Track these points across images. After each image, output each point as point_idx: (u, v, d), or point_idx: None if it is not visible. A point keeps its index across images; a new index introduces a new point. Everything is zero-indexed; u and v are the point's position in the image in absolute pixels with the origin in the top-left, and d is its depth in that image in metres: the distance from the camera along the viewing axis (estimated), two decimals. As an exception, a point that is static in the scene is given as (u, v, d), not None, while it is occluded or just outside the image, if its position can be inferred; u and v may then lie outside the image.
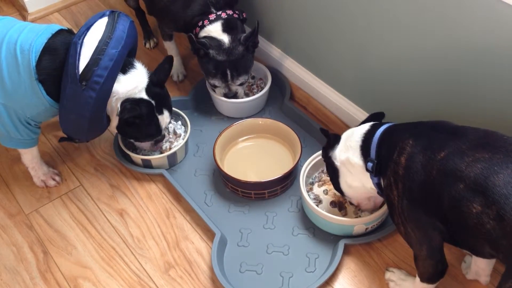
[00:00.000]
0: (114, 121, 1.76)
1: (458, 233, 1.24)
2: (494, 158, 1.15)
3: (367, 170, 1.43)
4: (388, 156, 1.36)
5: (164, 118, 1.81)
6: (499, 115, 1.46)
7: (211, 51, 1.91)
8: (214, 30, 1.92)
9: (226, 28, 1.92)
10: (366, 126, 1.50)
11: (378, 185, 1.44)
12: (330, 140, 1.56)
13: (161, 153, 1.92)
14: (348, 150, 1.50)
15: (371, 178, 1.44)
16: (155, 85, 1.77)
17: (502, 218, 1.10)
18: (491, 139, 1.21)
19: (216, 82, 1.99)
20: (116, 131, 1.81)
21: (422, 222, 1.30)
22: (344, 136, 1.54)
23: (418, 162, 1.27)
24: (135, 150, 1.95)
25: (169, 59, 1.82)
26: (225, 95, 2.04)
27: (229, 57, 1.92)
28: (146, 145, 1.89)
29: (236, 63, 1.94)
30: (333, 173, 1.58)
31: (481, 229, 1.14)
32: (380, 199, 1.63)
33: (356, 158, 1.47)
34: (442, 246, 1.33)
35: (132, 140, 1.89)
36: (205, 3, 1.94)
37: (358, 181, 1.51)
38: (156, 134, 1.84)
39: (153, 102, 1.75)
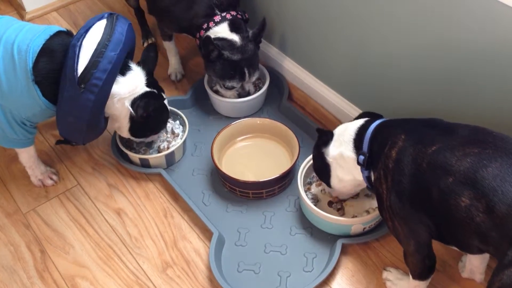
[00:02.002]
0: (125, 124, 1.77)
1: (446, 227, 1.25)
2: (483, 152, 1.17)
3: (358, 163, 1.45)
4: (380, 150, 1.38)
5: (166, 100, 1.85)
6: (494, 114, 1.46)
7: (225, 52, 1.89)
8: (222, 31, 1.92)
9: (233, 28, 1.92)
10: (361, 121, 1.52)
11: (368, 178, 1.46)
12: (325, 137, 1.57)
13: (159, 152, 1.92)
14: (341, 145, 1.52)
15: (362, 171, 1.47)
16: (148, 75, 1.79)
17: (491, 211, 1.11)
18: (480, 135, 1.24)
19: (234, 83, 1.97)
20: (128, 135, 1.82)
21: (409, 216, 1.31)
22: (337, 132, 1.56)
23: (409, 155, 1.29)
24: (133, 149, 1.95)
25: (152, 47, 1.85)
26: (239, 95, 2.04)
27: (244, 55, 1.92)
28: (156, 136, 1.91)
29: (250, 60, 1.94)
30: (323, 167, 1.60)
31: (470, 223, 1.16)
32: (357, 188, 1.67)
33: (349, 151, 1.49)
34: (429, 241, 1.34)
35: (142, 139, 1.89)
36: (209, 5, 1.93)
37: (349, 174, 1.54)
38: (168, 117, 1.89)
39: (155, 91, 1.78)
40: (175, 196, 1.88)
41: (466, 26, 1.40)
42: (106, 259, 1.72)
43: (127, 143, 1.97)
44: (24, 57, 1.59)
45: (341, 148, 1.51)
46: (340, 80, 1.97)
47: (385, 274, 1.61)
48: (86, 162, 2.01)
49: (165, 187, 1.91)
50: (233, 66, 1.92)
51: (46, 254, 1.74)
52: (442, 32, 1.47)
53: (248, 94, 2.04)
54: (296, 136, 1.89)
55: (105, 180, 1.95)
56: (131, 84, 1.71)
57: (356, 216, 1.69)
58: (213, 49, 1.88)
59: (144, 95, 1.73)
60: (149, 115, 1.75)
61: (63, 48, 1.63)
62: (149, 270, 1.69)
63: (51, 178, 1.93)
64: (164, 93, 1.86)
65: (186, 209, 1.83)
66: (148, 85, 1.76)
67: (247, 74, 1.95)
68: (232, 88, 2.00)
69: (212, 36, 1.91)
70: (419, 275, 1.41)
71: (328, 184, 1.64)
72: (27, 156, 1.85)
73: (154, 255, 1.72)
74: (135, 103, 1.71)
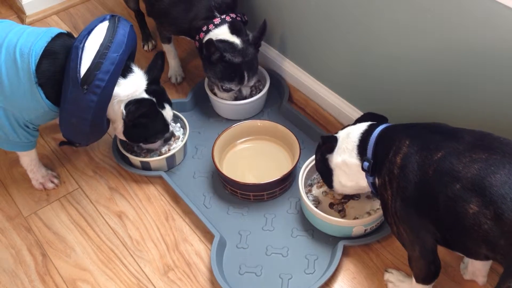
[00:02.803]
0: (120, 126, 1.77)
1: (453, 234, 1.24)
2: (491, 158, 1.16)
3: (362, 169, 1.44)
4: (384, 155, 1.37)
5: (167, 112, 1.83)
6: (495, 116, 1.46)
7: (227, 55, 1.89)
8: (222, 33, 1.91)
9: (233, 30, 1.92)
10: (364, 125, 1.51)
11: (372, 184, 1.46)
12: (329, 144, 1.56)
13: (160, 155, 1.92)
14: (344, 152, 1.51)
15: (366, 177, 1.46)
16: (152, 82, 1.78)
17: (500, 218, 1.11)
18: (487, 140, 1.23)
19: (233, 85, 1.96)
20: (123, 137, 1.82)
21: (414, 223, 1.31)
22: (340, 137, 1.55)
23: (414, 162, 1.28)
24: (134, 152, 1.95)
25: (161, 55, 1.84)
26: (236, 98, 2.04)
27: (244, 58, 1.92)
28: (157, 144, 1.89)
29: (250, 63, 1.94)
30: (326, 171, 1.61)
31: (478, 230, 1.15)
32: (359, 191, 1.66)
33: (352, 158, 1.48)
34: (435, 247, 1.33)
35: (141, 144, 1.89)
36: (209, 7, 1.93)
37: (353, 180, 1.53)
38: (164, 130, 1.85)
39: (154, 99, 1.77)
40: (176, 199, 1.88)
41: (467, 28, 1.40)
42: (108, 262, 1.72)
43: (128, 146, 1.97)
44: (26, 59, 1.59)
45: (345, 155, 1.51)
46: (340, 81, 1.97)
47: (387, 276, 1.60)
48: (87, 165, 2.01)
49: (166, 189, 1.91)
50: (233, 68, 1.92)
51: (48, 257, 1.74)
52: (442, 34, 1.47)
53: (245, 98, 2.04)
54: (296, 138, 1.89)
55: (106, 183, 1.95)
56: (131, 86, 1.71)
57: (357, 218, 1.69)
58: (214, 51, 1.88)
59: (138, 101, 1.72)
60: (137, 122, 1.74)
61: (65, 50, 1.64)
62: (151, 273, 1.69)
63: (52, 182, 1.93)
64: (169, 104, 1.83)
65: (187, 212, 1.83)
66: (148, 91, 1.76)
67: (246, 78, 1.95)
68: (229, 90, 2.00)
69: (214, 39, 1.91)
70: (423, 280, 1.41)
71: (330, 187, 1.65)
72: (28, 159, 1.85)
73: (155, 258, 1.72)
74: (127, 106, 1.71)
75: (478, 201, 1.14)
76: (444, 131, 1.31)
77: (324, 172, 1.62)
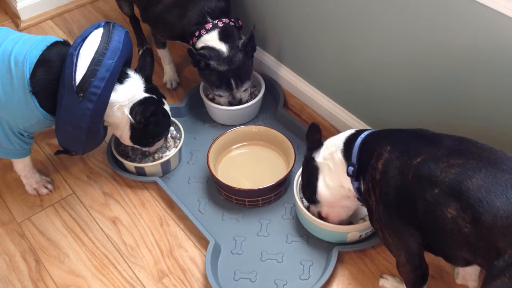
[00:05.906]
0: (125, 132, 1.77)
1: (434, 239, 1.25)
2: (468, 163, 1.18)
3: (348, 174, 1.45)
4: (367, 161, 1.39)
5: (167, 107, 1.84)
6: (487, 123, 1.47)
7: (211, 62, 1.90)
8: (211, 39, 1.92)
9: (222, 37, 1.92)
10: (350, 131, 1.53)
11: (358, 189, 1.47)
12: (317, 134, 1.58)
13: (155, 160, 1.92)
14: (332, 147, 1.52)
15: (352, 183, 1.47)
16: (147, 81, 1.78)
17: (478, 221, 1.12)
18: (465, 145, 1.25)
19: (221, 92, 1.98)
20: (130, 143, 1.81)
21: (398, 228, 1.32)
22: (326, 142, 1.57)
23: (395, 167, 1.30)
24: (129, 157, 1.95)
25: (149, 51, 1.84)
26: (230, 103, 2.04)
27: (231, 66, 1.91)
28: (161, 142, 1.90)
29: (238, 70, 1.94)
30: (311, 173, 1.58)
31: (458, 234, 1.16)
32: (346, 211, 1.62)
33: (339, 154, 1.49)
34: (420, 252, 1.34)
35: (146, 148, 1.89)
36: (201, 12, 1.93)
37: (336, 179, 1.52)
38: (170, 124, 1.88)
39: (154, 96, 1.77)
40: (171, 204, 1.87)
41: (459, 34, 1.40)
42: (101, 268, 1.71)
43: (122, 151, 1.96)
44: (21, 68, 1.59)
45: (332, 148, 1.51)
46: (335, 87, 1.98)
47: (382, 282, 1.60)
48: (81, 171, 2.00)
49: (160, 195, 1.90)
50: (219, 76, 1.93)
51: (41, 263, 1.73)
52: (435, 41, 1.48)
53: (240, 102, 2.05)
54: (291, 144, 1.89)
55: (100, 189, 1.94)
56: (129, 91, 1.71)
57: (352, 223, 1.69)
58: (199, 59, 1.88)
59: (142, 101, 1.72)
60: (149, 121, 1.75)
61: (60, 58, 1.63)
62: (145, 279, 1.68)
63: (46, 187, 1.92)
64: (165, 99, 1.85)
65: (182, 217, 1.82)
66: (146, 91, 1.76)
67: (234, 85, 1.96)
68: (220, 96, 2.01)
69: (202, 45, 1.92)
70: (412, 286, 1.41)
71: (314, 195, 1.58)
72: (22, 165, 1.84)
73: (149, 263, 1.71)
74: (133, 109, 1.71)
75: (456, 205, 1.15)
76: (425, 137, 1.33)
77: (308, 174, 1.60)
